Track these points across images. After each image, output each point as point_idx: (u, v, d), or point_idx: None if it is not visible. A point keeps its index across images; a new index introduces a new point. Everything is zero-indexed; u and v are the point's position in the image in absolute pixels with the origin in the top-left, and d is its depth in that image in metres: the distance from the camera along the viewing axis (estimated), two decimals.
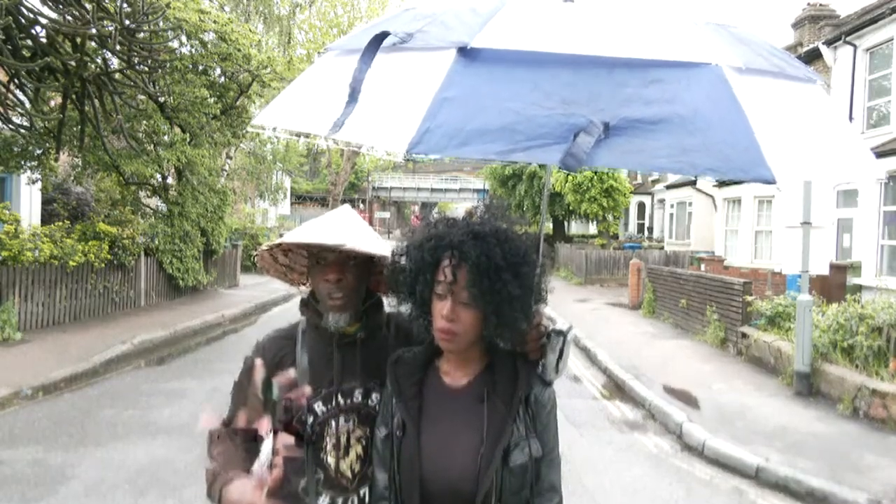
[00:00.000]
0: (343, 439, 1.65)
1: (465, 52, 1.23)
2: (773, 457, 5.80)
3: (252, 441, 1.73)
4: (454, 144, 1.14)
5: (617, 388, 8.75)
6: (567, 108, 1.15)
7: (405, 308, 1.58)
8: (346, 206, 1.99)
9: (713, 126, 1.16)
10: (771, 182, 1.12)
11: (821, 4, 17.52)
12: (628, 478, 5.58)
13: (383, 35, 1.27)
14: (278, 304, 16.42)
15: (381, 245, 1.69)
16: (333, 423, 1.65)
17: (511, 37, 1.26)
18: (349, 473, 1.65)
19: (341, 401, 1.66)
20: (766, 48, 1.42)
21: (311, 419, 1.65)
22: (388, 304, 1.71)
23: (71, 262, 11.00)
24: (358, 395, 1.67)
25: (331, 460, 1.65)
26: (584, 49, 1.23)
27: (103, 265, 11.99)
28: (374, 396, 1.67)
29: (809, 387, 7.62)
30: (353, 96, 1.24)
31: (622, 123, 1.12)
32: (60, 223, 11.77)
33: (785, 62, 1.40)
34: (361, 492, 1.65)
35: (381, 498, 1.55)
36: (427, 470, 1.47)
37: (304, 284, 1.84)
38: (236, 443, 1.69)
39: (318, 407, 1.66)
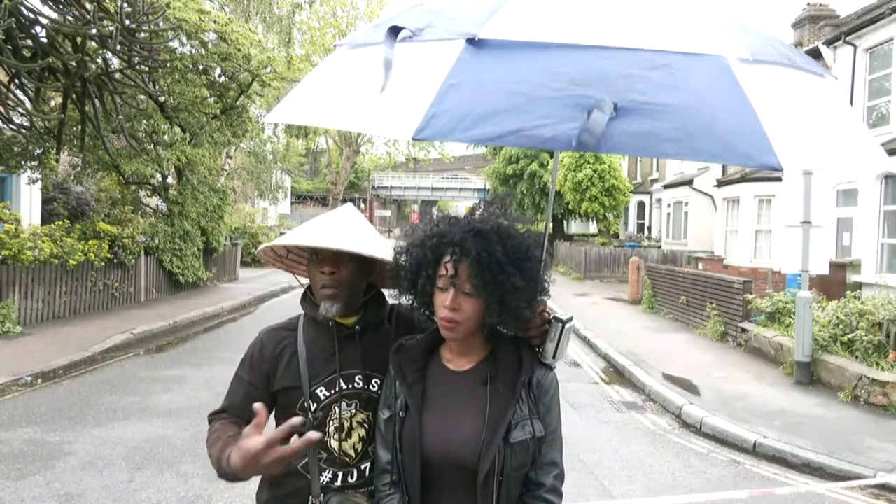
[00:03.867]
0: (346, 423, 1.69)
1: (473, 42, 1.24)
2: (772, 434, 5.89)
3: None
4: (461, 128, 1.14)
5: (617, 374, 8.86)
6: (575, 88, 1.15)
7: (407, 300, 1.61)
8: (349, 204, 2.01)
9: (718, 113, 1.17)
10: (777, 169, 1.13)
11: (821, 4, 17.51)
12: (626, 453, 5.66)
13: (398, 29, 1.29)
14: (277, 295, 16.61)
15: (378, 245, 1.70)
16: (336, 408, 1.68)
17: (518, 28, 1.28)
18: (352, 452, 1.70)
19: (343, 385, 1.69)
20: (777, 42, 1.43)
21: (314, 405, 1.68)
22: (391, 296, 1.74)
23: (71, 261, 11.02)
24: (359, 381, 1.70)
25: (334, 443, 1.69)
26: (589, 40, 1.24)
27: (103, 263, 12.02)
28: (375, 382, 1.70)
29: (810, 376, 7.67)
30: (388, 66, 1.24)
31: (629, 105, 1.12)
32: (60, 222, 11.78)
33: (795, 55, 1.41)
34: (362, 466, 1.70)
35: (384, 472, 1.59)
36: (429, 447, 1.50)
37: (307, 276, 1.87)
38: (229, 425, 1.71)
39: (321, 392, 1.69)
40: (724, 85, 1.20)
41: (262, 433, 1.40)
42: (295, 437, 1.43)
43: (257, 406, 1.43)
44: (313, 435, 1.41)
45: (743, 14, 1.51)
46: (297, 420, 1.42)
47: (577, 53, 1.22)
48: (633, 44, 1.24)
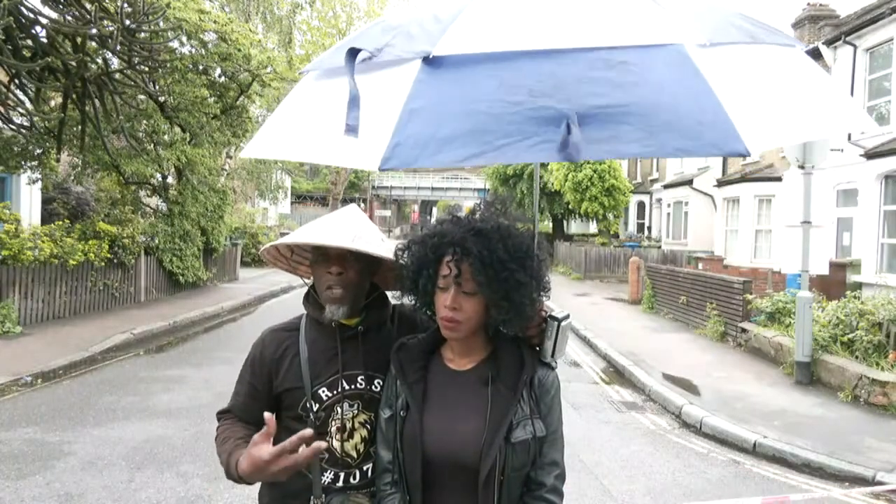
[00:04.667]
0: (348, 424, 1.69)
1: (428, 60, 1.23)
2: (772, 434, 5.89)
3: (254, 426, 1.75)
4: (426, 154, 1.14)
5: (617, 374, 8.86)
6: (535, 100, 1.15)
7: (408, 300, 1.62)
8: (353, 205, 2.02)
9: (681, 105, 1.15)
10: (745, 154, 1.12)
11: (821, 4, 17.50)
12: (626, 453, 5.66)
13: (356, 51, 1.27)
14: (277, 295, 16.63)
15: (384, 245, 1.71)
16: (338, 408, 1.69)
17: (473, 40, 1.26)
18: (354, 453, 1.70)
19: (346, 386, 1.69)
20: (739, 18, 1.40)
21: (316, 406, 1.68)
22: (394, 297, 1.74)
23: (71, 261, 11.02)
24: (361, 382, 1.70)
25: (336, 444, 1.69)
26: (545, 44, 1.23)
27: (103, 263, 12.02)
28: (377, 383, 1.70)
29: (810, 376, 7.67)
30: (354, 103, 1.23)
31: (590, 111, 1.12)
32: (60, 222, 11.78)
33: (759, 29, 1.38)
34: (364, 467, 1.70)
35: (385, 471, 1.59)
36: (430, 446, 1.50)
37: (310, 277, 1.87)
38: (237, 424, 1.74)
39: (323, 393, 1.69)
40: (684, 74, 1.18)
41: (270, 441, 1.44)
42: (302, 447, 1.45)
43: (267, 415, 1.45)
44: (320, 443, 1.43)
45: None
46: (307, 432, 1.43)
47: (533, 61, 1.20)
48: (589, 42, 1.22)
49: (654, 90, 1.16)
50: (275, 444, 1.75)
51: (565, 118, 1.11)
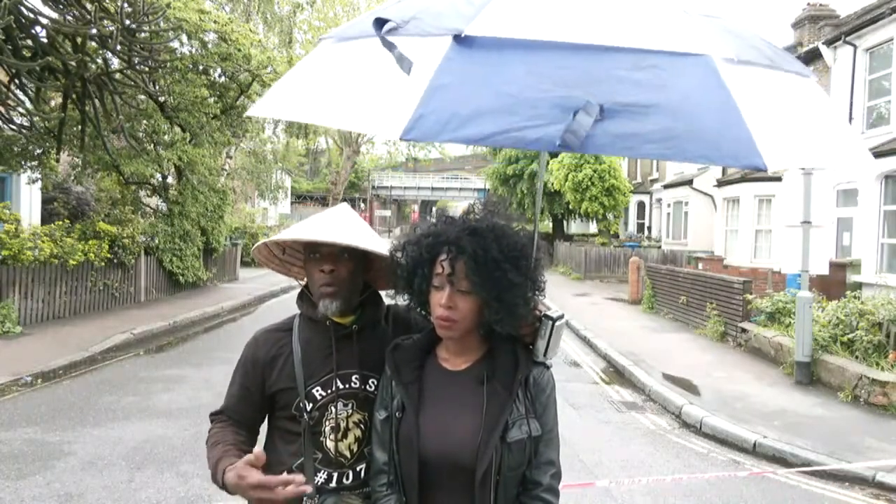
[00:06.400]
0: (342, 423, 1.68)
1: (459, 39, 1.23)
2: (772, 434, 5.89)
3: (246, 427, 1.78)
4: (449, 129, 1.13)
5: (617, 374, 8.87)
6: (561, 89, 1.15)
7: (403, 300, 1.61)
8: (344, 204, 2.02)
9: (703, 113, 1.16)
10: (763, 169, 1.13)
11: (821, 4, 17.51)
12: (626, 453, 5.66)
13: (382, 21, 1.26)
14: (276, 295, 16.63)
15: (375, 241, 1.71)
16: (332, 408, 1.68)
17: (505, 25, 1.27)
18: (347, 453, 1.69)
19: (340, 385, 1.69)
20: (760, 42, 1.43)
21: (310, 406, 1.68)
22: (387, 296, 1.73)
23: (71, 261, 11.03)
24: (356, 381, 1.70)
25: (330, 444, 1.68)
26: (576, 37, 1.24)
27: (103, 263, 12.02)
28: (372, 382, 1.70)
29: (810, 376, 7.67)
30: (403, 64, 1.20)
31: (614, 106, 1.12)
32: (60, 222, 11.78)
33: (778, 56, 1.41)
34: (358, 467, 1.69)
35: (380, 472, 1.58)
36: (426, 447, 1.50)
37: (303, 278, 1.86)
38: (228, 428, 1.75)
39: (318, 392, 1.69)
40: (709, 85, 1.20)
41: (258, 469, 1.49)
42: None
43: (258, 451, 1.52)
44: (306, 488, 1.48)
45: (742, 14, 1.49)
46: (299, 479, 1.48)
47: (563, 53, 1.21)
48: (620, 42, 1.24)
49: (680, 96, 1.18)
50: (269, 444, 1.76)
51: (592, 109, 1.11)
